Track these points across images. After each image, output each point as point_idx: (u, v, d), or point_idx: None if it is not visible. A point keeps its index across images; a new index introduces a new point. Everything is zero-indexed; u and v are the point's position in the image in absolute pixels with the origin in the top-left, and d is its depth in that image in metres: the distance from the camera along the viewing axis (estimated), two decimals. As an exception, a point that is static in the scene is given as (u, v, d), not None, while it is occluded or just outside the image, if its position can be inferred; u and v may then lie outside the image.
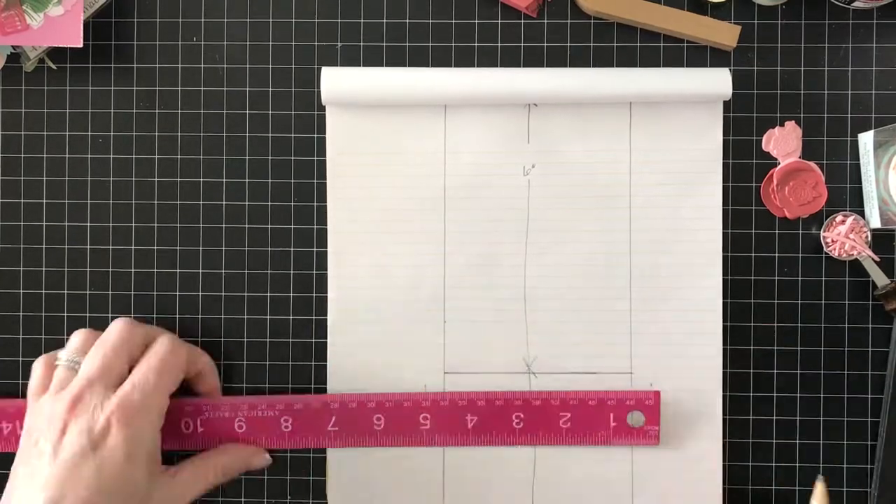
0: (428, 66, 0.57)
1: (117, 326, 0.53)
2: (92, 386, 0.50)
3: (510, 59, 0.57)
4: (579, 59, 0.57)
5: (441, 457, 0.56)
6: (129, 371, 0.52)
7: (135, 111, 0.57)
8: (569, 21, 0.57)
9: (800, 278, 0.56)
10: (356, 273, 0.56)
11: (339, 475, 0.56)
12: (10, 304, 0.58)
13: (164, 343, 0.53)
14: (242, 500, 0.57)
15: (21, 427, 0.52)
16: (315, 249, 0.57)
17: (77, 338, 0.54)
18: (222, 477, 0.54)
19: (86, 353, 0.52)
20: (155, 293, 0.57)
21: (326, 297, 0.56)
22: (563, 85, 0.55)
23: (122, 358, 0.51)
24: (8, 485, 0.50)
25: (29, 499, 0.47)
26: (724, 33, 0.56)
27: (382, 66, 0.57)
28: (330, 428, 0.55)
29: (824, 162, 0.56)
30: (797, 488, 0.56)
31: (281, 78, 0.57)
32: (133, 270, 0.57)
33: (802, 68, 0.56)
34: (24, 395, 0.57)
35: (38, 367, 0.54)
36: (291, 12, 0.57)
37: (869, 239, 0.56)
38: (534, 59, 0.57)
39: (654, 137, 0.56)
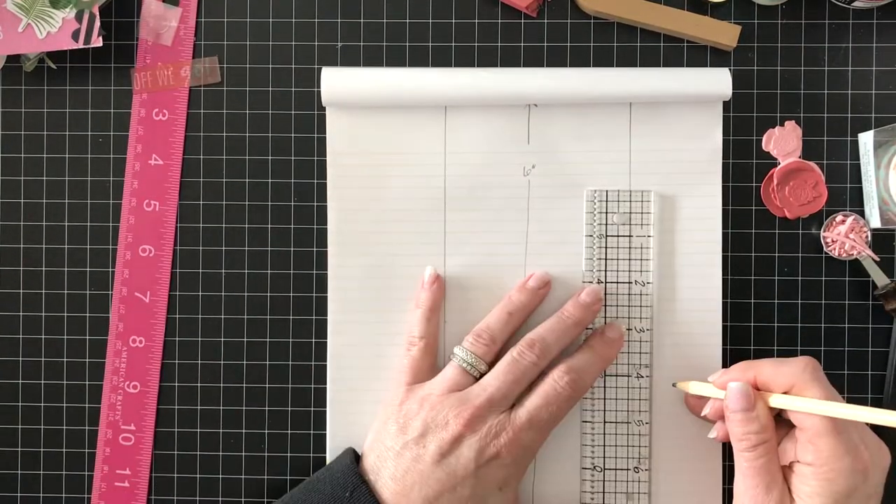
0: (428, 66, 0.57)
1: (527, 356, 0.51)
2: (492, 407, 0.50)
3: (510, 59, 0.57)
4: (579, 59, 0.57)
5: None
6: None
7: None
8: (569, 21, 0.57)
9: (800, 278, 0.56)
10: (356, 273, 0.56)
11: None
12: (10, 304, 0.58)
13: (562, 385, 0.51)
14: (243, 500, 0.57)
15: None
16: (315, 249, 0.57)
17: (479, 345, 0.52)
18: None
19: (485, 360, 0.52)
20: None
21: (326, 297, 0.56)
22: (563, 85, 0.55)
23: (522, 386, 0.51)
24: (371, 447, 0.51)
25: (400, 485, 0.49)
26: (724, 33, 0.56)
27: (382, 66, 0.57)
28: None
29: (824, 162, 0.56)
30: (797, 488, 0.56)
31: (281, 78, 0.57)
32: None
33: (802, 68, 0.56)
34: (24, 396, 0.57)
35: (419, 352, 0.53)
36: (291, 12, 0.57)
37: (869, 239, 0.56)
38: (534, 59, 0.57)
39: (654, 137, 0.56)
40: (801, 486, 0.47)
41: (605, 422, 0.55)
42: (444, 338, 0.56)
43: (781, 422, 0.50)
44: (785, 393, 0.48)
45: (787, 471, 0.49)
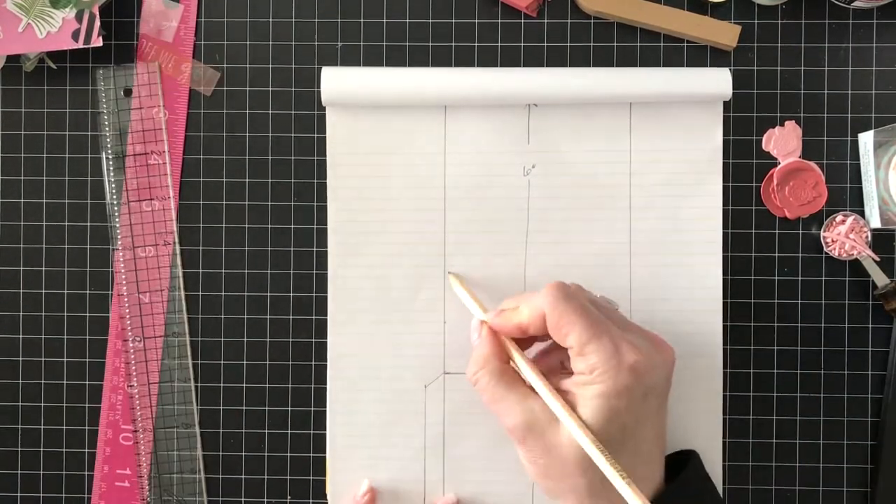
0: (428, 66, 0.57)
1: None
2: None
3: (510, 59, 0.57)
4: (579, 59, 0.57)
5: (441, 458, 0.56)
6: None
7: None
8: (569, 21, 0.57)
9: (800, 278, 0.56)
10: (356, 273, 0.56)
11: (339, 475, 0.56)
12: (10, 303, 0.58)
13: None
14: (243, 500, 0.57)
15: None
16: (315, 249, 0.57)
17: None
18: None
19: None
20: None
21: (326, 297, 0.56)
22: (563, 85, 0.55)
23: None
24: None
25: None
26: (724, 33, 0.56)
27: (382, 66, 0.57)
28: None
29: (824, 162, 0.56)
30: (797, 488, 0.56)
31: (281, 78, 0.57)
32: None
33: (802, 68, 0.56)
34: (24, 396, 0.57)
35: None
36: (291, 12, 0.57)
37: (869, 239, 0.56)
38: (534, 59, 0.57)
39: (654, 137, 0.56)
40: (580, 395, 0.46)
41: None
42: (445, 337, 0.56)
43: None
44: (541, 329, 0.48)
45: (571, 391, 0.48)
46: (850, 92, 0.56)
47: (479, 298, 0.53)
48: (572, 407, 0.46)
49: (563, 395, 0.47)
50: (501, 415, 0.48)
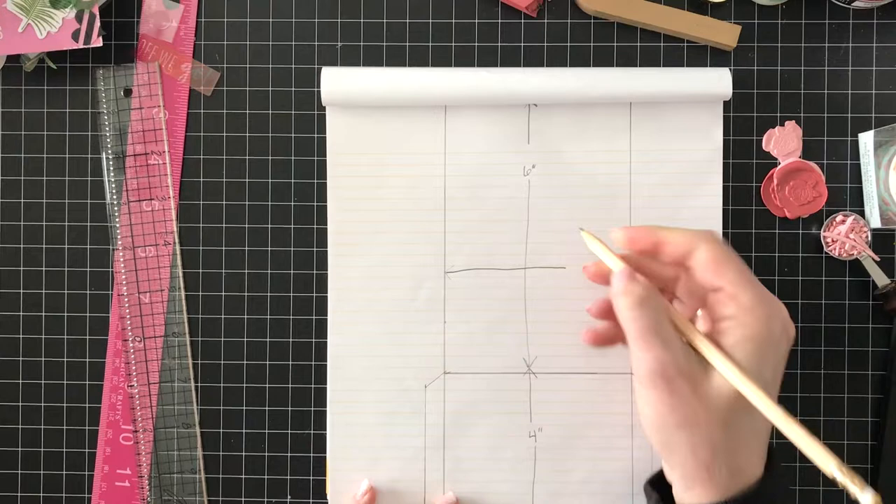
0: (428, 66, 0.57)
1: None
2: None
3: (510, 59, 0.57)
4: (579, 59, 0.57)
5: (441, 458, 0.56)
6: None
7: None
8: (569, 21, 0.57)
9: (800, 278, 0.56)
10: (356, 273, 0.56)
11: (339, 475, 0.56)
12: (10, 303, 0.58)
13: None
14: (242, 499, 0.57)
15: None
16: (315, 249, 0.57)
17: None
18: None
19: None
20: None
21: (326, 297, 0.56)
22: (563, 85, 0.55)
23: None
24: None
25: None
26: (724, 33, 0.56)
27: (382, 66, 0.57)
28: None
29: (824, 162, 0.56)
30: (797, 488, 0.56)
31: (281, 78, 0.57)
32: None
33: (802, 68, 0.56)
34: (24, 396, 0.57)
35: None
36: (291, 12, 0.57)
37: (869, 239, 0.56)
38: (534, 59, 0.57)
39: (654, 137, 0.56)
40: (726, 343, 0.45)
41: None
42: (445, 337, 0.56)
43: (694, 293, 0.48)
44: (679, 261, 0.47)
45: (708, 337, 0.46)
46: (850, 92, 0.56)
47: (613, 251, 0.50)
48: None
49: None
50: (654, 349, 0.44)
